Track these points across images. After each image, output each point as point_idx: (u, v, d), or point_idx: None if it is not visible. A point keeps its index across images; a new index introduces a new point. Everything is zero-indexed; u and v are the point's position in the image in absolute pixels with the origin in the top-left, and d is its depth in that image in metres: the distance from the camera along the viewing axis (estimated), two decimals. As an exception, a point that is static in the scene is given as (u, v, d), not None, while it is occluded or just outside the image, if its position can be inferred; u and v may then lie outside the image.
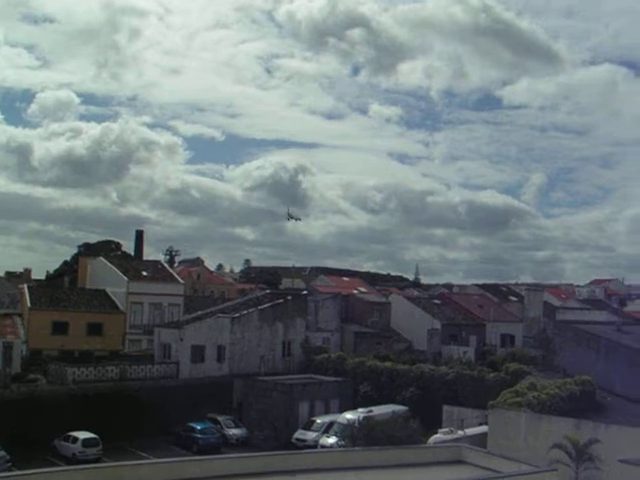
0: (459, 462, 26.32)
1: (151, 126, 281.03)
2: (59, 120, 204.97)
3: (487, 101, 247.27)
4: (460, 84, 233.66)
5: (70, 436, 41.43)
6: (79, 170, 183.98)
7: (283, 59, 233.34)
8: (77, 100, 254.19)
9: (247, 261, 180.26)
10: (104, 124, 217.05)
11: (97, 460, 38.51)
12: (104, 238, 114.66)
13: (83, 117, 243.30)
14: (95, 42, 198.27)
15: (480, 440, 32.81)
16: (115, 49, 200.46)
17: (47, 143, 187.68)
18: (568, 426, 30.20)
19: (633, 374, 43.39)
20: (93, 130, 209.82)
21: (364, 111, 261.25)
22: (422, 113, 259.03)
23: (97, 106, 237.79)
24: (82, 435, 41.23)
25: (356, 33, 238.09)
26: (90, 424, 41.86)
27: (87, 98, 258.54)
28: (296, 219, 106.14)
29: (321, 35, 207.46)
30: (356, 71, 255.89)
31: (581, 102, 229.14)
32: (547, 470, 23.87)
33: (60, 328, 64.07)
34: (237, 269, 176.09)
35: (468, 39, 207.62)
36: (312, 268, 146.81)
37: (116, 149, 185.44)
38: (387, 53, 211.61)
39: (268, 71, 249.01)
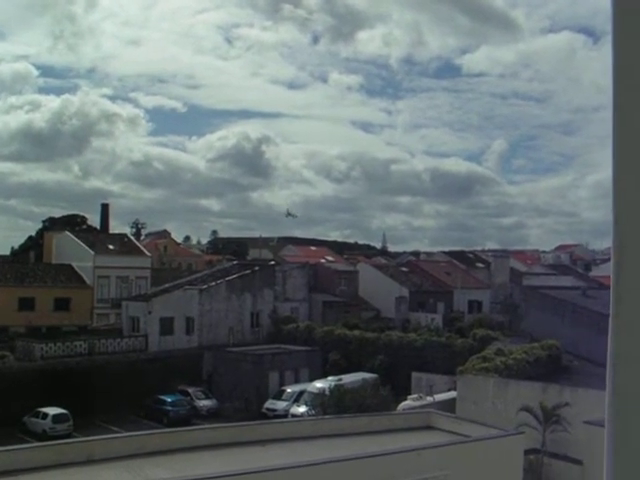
0: (428, 428, 26.54)
1: (111, 98, 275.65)
2: (17, 93, 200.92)
3: (447, 69, 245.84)
4: (420, 52, 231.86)
5: (40, 412, 41.26)
6: (39, 144, 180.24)
7: (243, 28, 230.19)
8: (35, 72, 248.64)
9: (214, 232, 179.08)
10: (63, 97, 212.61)
11: (68, 436, 38.26)
12: (68, 212, 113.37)
13: (42, 90, 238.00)
14: (51, 13, 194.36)
15: (449, 406, 33.21)
16: (71, 20, 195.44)
17: (5, 117, 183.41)
18: (535, 390, 30.74)
19: (598, 337, 44.08)
20: (52, 103, 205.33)
21: (325, 80, 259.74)
22: (383, 81, 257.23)
23: (56, 78, 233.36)
24: (52, 411, 41.10)
25: (313, 1, 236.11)
26: (60, 400, 41.69)
27: (45, 70, 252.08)
28: (293, 216, 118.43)
29: (277, 2, 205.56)
30: (315, 40, 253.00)
31: (541, 70, 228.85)
32: (514, 434, 24.22)
33: (26, 304, 63.44)
34: (204, 241, 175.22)
35: (426, 7, 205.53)
36: (279, 238, 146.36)
37: (76, 122, 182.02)
38: (345, 21, 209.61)
39: (228, 41, 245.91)
